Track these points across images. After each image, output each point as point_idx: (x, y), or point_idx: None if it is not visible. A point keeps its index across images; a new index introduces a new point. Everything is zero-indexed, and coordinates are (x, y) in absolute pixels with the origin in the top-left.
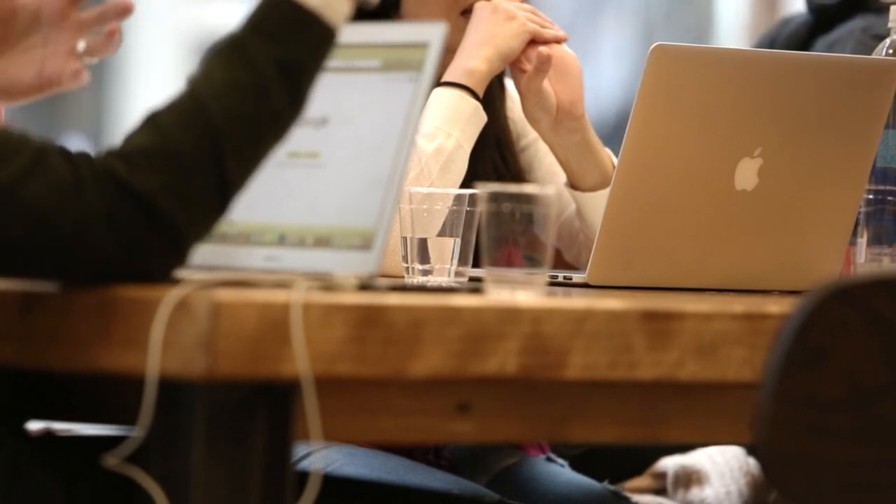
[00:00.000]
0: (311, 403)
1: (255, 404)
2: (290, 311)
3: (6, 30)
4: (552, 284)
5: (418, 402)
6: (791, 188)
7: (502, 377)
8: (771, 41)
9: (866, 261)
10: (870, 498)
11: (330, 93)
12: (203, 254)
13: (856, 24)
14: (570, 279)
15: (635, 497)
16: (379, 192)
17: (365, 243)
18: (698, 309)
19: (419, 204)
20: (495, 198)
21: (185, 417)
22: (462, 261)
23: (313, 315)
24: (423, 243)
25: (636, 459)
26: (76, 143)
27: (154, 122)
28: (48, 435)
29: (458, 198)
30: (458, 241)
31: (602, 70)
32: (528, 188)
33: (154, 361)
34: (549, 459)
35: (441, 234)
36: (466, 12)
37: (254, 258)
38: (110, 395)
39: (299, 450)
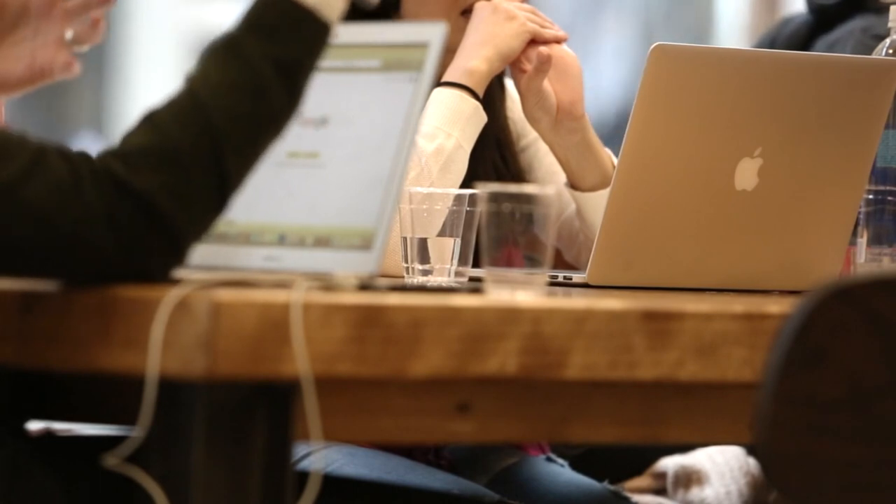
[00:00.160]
0: (311, 403)
1: (255, 404)
2: (290, 311)
3: None
4: (552, 284)
5: (418, 402)
6: (791, 188)
7: (502, 377)
8: (771, 41)
9: (866, 261)
10: (870, 498)
11: (330, 93)
12: (203, 254)
13: (856, 25)
14: (570, 279)
15: (635, 497)
16: (379, 192)
17: (365, 243)
18: (698, 309)
19: (419, 204)
20: (495, 198)
21: (185, 417)
22: (462, 261)
23: (313, 315)
24: (423, 243)
25: (636, 459)
26: (83, 141)
27: (152, 121)
28: (48, 435)
29: (458, 198)
30: (458, 241)
31: (602, 70)
32: (528, 188)
33: (154, 361)
34: (549, 459)
35: (441, 234)
36: (466, 12)
37: (254, 258)
38: (110, 395)
39: (299, 450)
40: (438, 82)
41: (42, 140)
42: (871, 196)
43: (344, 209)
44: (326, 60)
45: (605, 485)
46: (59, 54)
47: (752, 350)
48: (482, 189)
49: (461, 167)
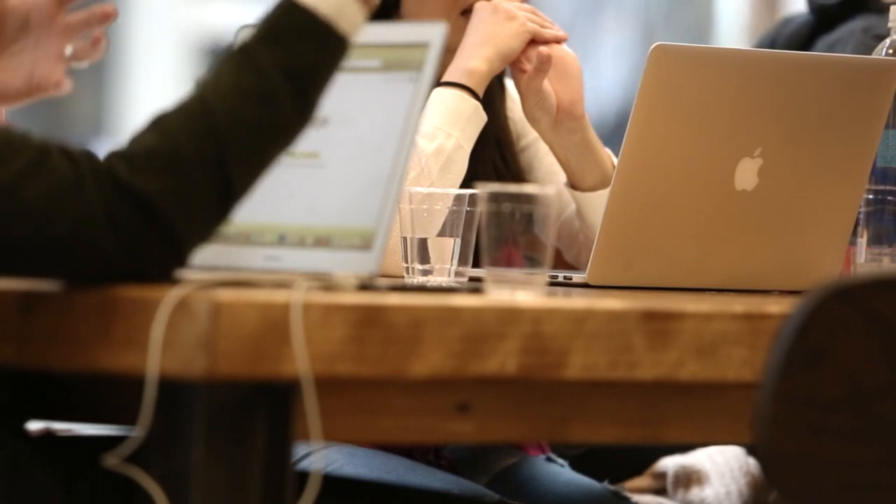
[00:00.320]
0: (311, 403)
1: (255, 404)
2: (290, 311)
3: None
4: (552, 284)
5: (418, 402)
6: (791, 188)
7: (502, 377)
8: (771, 41)
9: (866, 261)
10: (870, 498)
11: (330, 93)
12: (203, 254)
13: (856, 25)
14: (570, 279)
15: (635, 497)
16: (379, 192)
17: (365, 243)
18: (698, 309)
19: (419, 204)
20: (495, 198)
21: (185, 417)
22: (462, 261)
23: (313, 315)
24: (423, 243)
25: (636, 459)
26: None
27: (160, 124)
28: (48, 435)
29: (458, 198)
30: (458, 241)
31: (602, 70)
32: (528, 188)
33: (154, 361)
34: (549, 459)
35: (441, 234)
36: (466, 12)
37: (254, 258)
38: (110, 395)
39: (299, 450)
40: (438, 82)
41: (44, 139)
42: (871, 196)
43: (344, 209)
44: None
45: (605, 485)
46: (57, 69)
47: (752, 350)
48: (482, 189)
49: (461, 167)
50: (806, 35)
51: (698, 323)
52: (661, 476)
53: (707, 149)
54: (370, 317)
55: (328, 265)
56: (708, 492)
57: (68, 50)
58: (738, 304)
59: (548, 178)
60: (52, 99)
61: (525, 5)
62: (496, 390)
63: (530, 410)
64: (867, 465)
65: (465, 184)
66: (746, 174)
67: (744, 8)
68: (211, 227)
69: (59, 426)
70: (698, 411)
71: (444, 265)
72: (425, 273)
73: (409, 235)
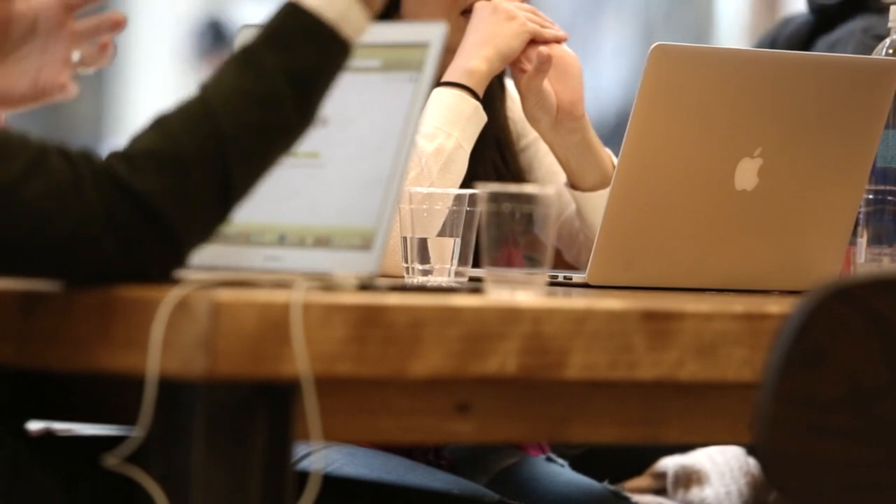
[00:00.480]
0: (311, 403)
1: (255, 404)
2: (290, 311)
3: (3, 38)
4: (552, 284)
5: (418, 402)
6: (791, 188)
7: (502, 377)
8: (772, 41)
9: (866, 261)
10: (870, 498)
11: (330, 93)
12: (203, 254)
13: (857, 25)
14: (570, 279)
15: (635, 497)
16: (379, 192)
17: (365, 243)
18: (698, 309)
19: (419, 204)
20: (495, 198)
21: (185, 417)
22: (462, 261)
23: (313, 315)
24: (423, 243)
25: (636, 459)
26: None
27: (161, 125)
28: (48, 435)
29: (458, 198)
30: (458, 241)
31: (602, 70)
32: (528, 188)
33: (154, 361)
34: (549, 459)
35: (441, 234)
36: (466, 12)
37: (254, 258)
38: (110, 395)
39: (299, 450)
40: (438, 82)
41: (43, 140)
42: (871, 196)
43: (344, 209)
44: None
45: (605, 485)
46: (63, 74)
47: (752, 350)
48: (482, 189)
49: (461, 167)
50: (806, 35)
51: (698, 323)
52: (661, 476)
53: (707, 149)
54: (370, 317)
55: (328, 265)
56: (708, 492)
57: (76, 56)
58: (738, 304)
59: (548, 178)
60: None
61: (525, 5)
62: (496, 390)
63: (530, 410)
64: (867, 465)
65: (465, 184)
66: (746, 174)
67: (744, 8)
68: (211, 228)
69: (59, 426)
70: (698, 411)
71: (444, 265)
72: (425, 273)
73: (409, 235)
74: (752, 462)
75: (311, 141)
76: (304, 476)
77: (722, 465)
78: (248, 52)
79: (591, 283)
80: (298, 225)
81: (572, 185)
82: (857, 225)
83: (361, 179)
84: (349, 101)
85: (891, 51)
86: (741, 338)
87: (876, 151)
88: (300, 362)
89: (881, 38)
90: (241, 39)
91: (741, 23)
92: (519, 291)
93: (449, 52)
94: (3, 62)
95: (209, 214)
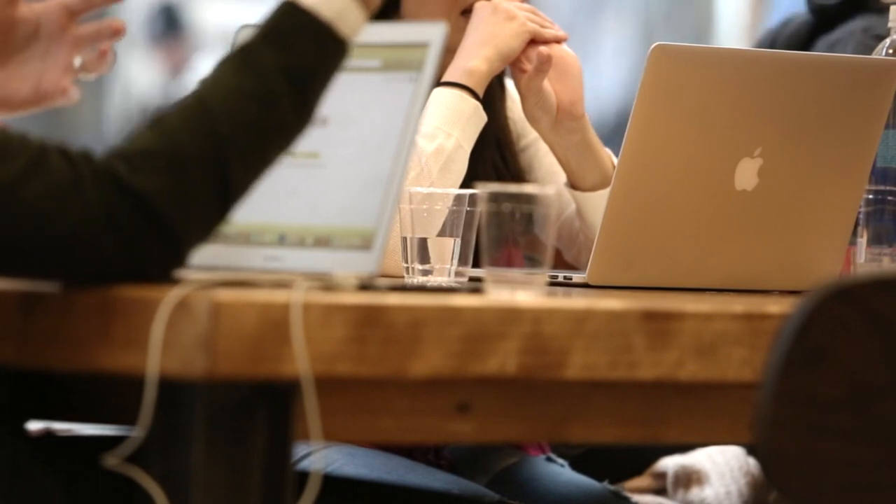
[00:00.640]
0: (311, 403)
1: (255, 404)
2: (290, 311)
3: (6, 42)
4: (552, 284)
5: (418, 402)
6: (791, 188)
7: (502, 377)
8: (772, 41)
9: (866, 261)
10: (870, 498)
11: (330, 93)
12: (203, 254)
13: (857, 25)
14: (570, 279)
15: (635, 497)
16: (379, 192)
17: (365, 243)
18: (698, 309)
19: (419, 204)
20: (495, 198)
21: (185, 417)
22: (462, 261)
23: (313, 315)
24: (423, 243)
25: (636, 459)
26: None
27: (158, 124)
28: (48, 435)
29: (458, 198)
30: (458, 241)
31: (602, 70)
32: (528, 188)
33: (154, 361)
34: (549, 459)
35: (441, 234)
36: (466, 12)
37: (254, 258)
38: (110, 395)
39: (299, 450)
40: (438, 82)
41: (42, 140)
42: (871, 196)
43: (344, 209)
44: None
45: (605, 485)
46: (65, 79)
47: (752, 350)
48: (482, 189)
49: (461, 167)
50: (806, 35)
51: (698, 323)
52: (661, 476)
53: (707, 149)
54: (370, 317)
55: (328, 265)
56: (708, 492)
57: (77, 61)
58: (738, 304)
59: (548, 178)
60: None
61: (525, 5)
62: (496, 390)
63: (530, 410)
64: (867, 465)
65: (465, 184)
66: (746, 174)
67: (744, 8)
68: (210, 227)
69: (59, 426)
70: (698, 411)
71: (444, 265)
72: (425, 273)
73: (409, 235)
74: (752, 462)
75: (311, 141)
76: (304, 476)
77: (722, 465)
78: (246, 50)
79: (591, 283)
80: (298, 225)
81: (572, 185)
82: (857, 225)
83: (361, 179)
84: (349, 101)
85: (891, 51)
86: (741, 338)
87: (876, 151)
88: (300, 362)
89: (881, 38)
90: (240, 39)
91: (741, 23)
92: (519, 291)
93: (449, 52)
94: (7, 66)
95: (209, 214)
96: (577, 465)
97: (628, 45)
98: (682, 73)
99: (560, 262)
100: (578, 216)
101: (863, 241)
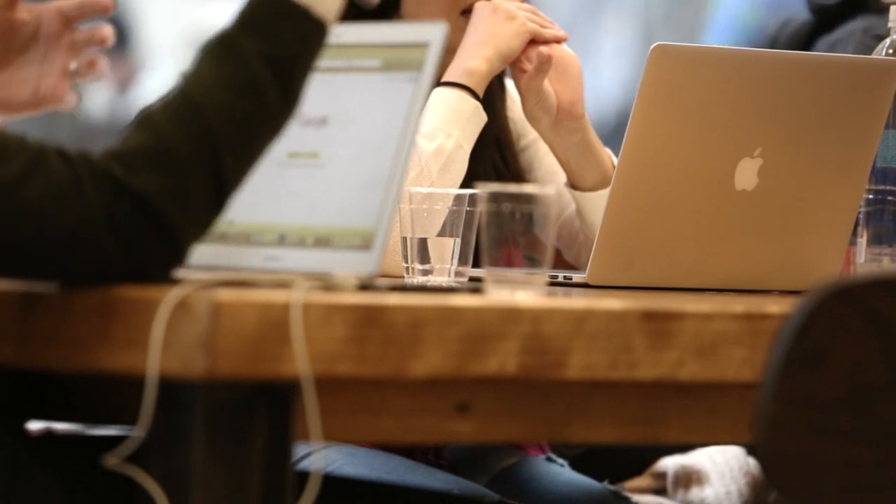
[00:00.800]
0: (311, 403)
1: (255, 404)
2: (290, 311)
3: (5, 46)
4: (552, 284)
5: (418, 402)
6: (791, 188)
7: (502, 377)
8: (772, 41)
9: (866, 261)
10: (870, 498)
11: (330, 93)
12: (203, 254)
13: (857, 25)
14: (570, 279)
15: (635, 497)
16: (379, 192)
17: (365, 243)
18: (698, 309)
19: (419, 204)
20: (495, 198)
21: (185, 417)
22: (462, 261)
23: (313, 315)
24: (423, 243)
25: (636, 459)
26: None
27: (147, 122)
28: (48, 435)
29: (458, 198)
30: (458, 241)
31: (602, 70)
32: (528, 188)
33: (154, 361)
34: (549, 459)
35: (441, 234)
36: (466, 12)
37: (254, 258)
38: (110, 395)
39: (299, 450)
40: (438, 82)
41: (41, 141)
42: (871, 196)
43: (344, 209)
44: (326, 60)
45: (605, 485)
46: (62, 83)
47: (752, 350)
48: (482, 189)
49: (461, 167)
50: (806, 35)
51: (698, 323)
52: (661, 476)
53: (707, 149)
54: (370, 317)
55: (328, 265)
56: (708, 492)
57: (73, 65)
58: (738, 304)
59: (548, 178)
60: None
61: (525, 5)
62: (496, 390)
63: (530, 410)
64: (867, 465)
65: (465, 184)
66: (746, 174)
67: (744, 8)
68: (208, 223)
69: (59, 426)
70: (698, 411)
71: (444, 265)
72: (425, 273)
73: (409, 235)
74: (752, 462)
75: (312, 141)
76: (304, 476)
77: (722, 465)
78: (225, 40)
79: (591, 283)
80: (298, 225)
81: (572, 185)
82: (857, 225)
83: (361, 179)
84: (349, 101)
85: (891, 51)
86: (741, 338)
87: (876, 151)
88: (300, 362)
89: (881, 38)
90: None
91: (741, 23)
92: (519, 291)
93: (449, 52)
94: (6, 69)
95: (206, 210)
96: (577, 465)
97: (628, 45)
98: (682, 73)
99: (560, 262)
100: (578, 216)
101: (863, 241)
